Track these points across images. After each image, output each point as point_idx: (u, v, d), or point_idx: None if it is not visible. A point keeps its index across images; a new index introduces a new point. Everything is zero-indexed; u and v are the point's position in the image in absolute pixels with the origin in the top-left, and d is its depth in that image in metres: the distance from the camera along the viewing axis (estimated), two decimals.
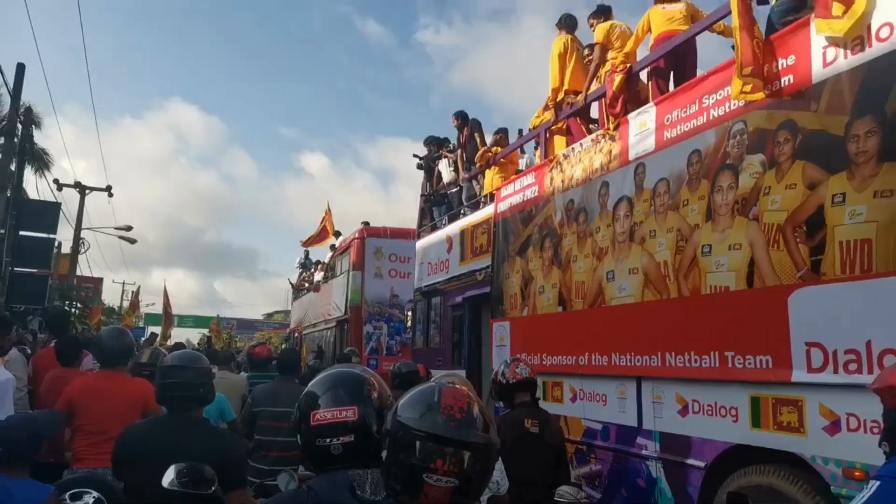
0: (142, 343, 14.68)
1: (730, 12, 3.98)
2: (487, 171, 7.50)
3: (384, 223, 15.26)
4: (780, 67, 3.63)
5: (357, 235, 13.15)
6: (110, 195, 21.24)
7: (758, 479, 3.61)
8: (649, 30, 5.09)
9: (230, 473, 2.29)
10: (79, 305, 23.89)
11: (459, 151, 8.13)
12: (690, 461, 4.08)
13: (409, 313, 9.60)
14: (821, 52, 3.40)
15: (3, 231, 12.67)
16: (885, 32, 3.09)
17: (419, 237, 9.65)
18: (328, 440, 1.42)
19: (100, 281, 33.98)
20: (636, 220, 4.70)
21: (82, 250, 21.89)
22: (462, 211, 8.11)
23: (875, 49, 3.13)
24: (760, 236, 3.62)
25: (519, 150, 7.40)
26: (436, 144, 9.11)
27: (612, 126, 5.05)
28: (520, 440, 3.45)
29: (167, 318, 21.52)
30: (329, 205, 17.79)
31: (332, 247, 15.52)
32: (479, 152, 7.41)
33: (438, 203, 8.98)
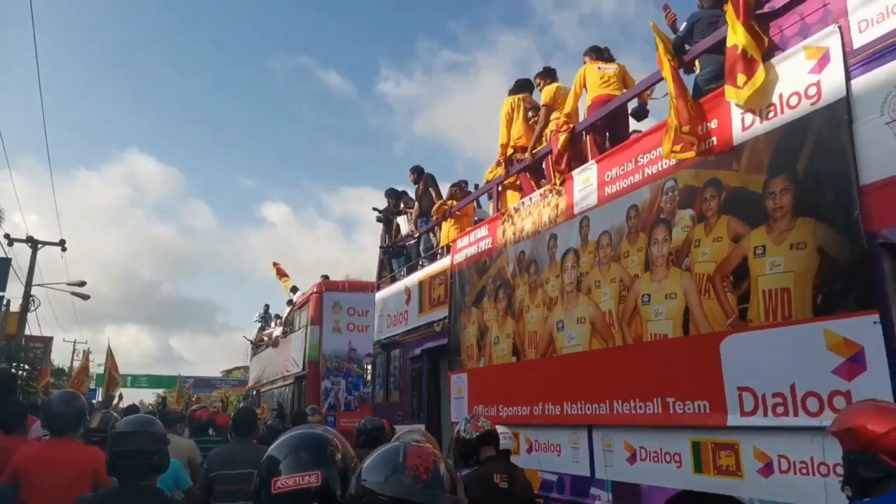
0: (95, 406, 13.99)
1: (661, 79, 4.33)
2: (444, 224, 7.69)
3: (348, 271, 15.23)
4: (706, 129, 3.94)
5: (315, 290, 13.10)
6: (63, 249, 20.61)
7: None
8: (585, 86, 5.44)
9: None
10: (26, 367, 22.55)
11: (416, 204, 8.33)
12: None
13: (369, 367, 9.54)
14: (740, 117, 3.72)
15: None
16: (794, 100, 3.41)
17: (379, 289, 9.69)
18: None
19: (49, 340, 32.32)
20: (582, 270, 4.90)
21: (32, 308, 21.02)
22: (420, 262, 8.24)
23: (786, 115, 3.44)
24: (693, 286, 3.84)
25: (475, 203, 7.64)
26: (394, 197, 9.31)
27: (558, 182, 5.31)
28: (490, 496, 3.39)
29: (110, 378, 20.42)
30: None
31: (290, 302, 15.37)
32: (436, 205, 7.62)
33: (397, 255, 9.10)
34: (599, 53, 5.50)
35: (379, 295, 9.56)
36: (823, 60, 3.25)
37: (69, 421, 3.47)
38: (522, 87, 6.45)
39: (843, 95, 3.12)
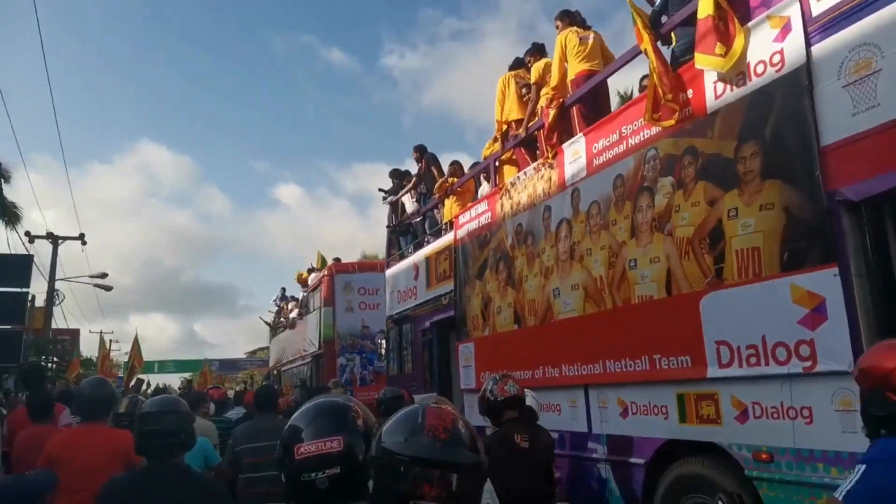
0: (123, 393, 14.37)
1: (640, 52, 4.50)
2: (447, 201, 7.93)
3: (365, 247, 15.54)
4: (684, 99, 4.12)
5: (326, 273, 13.46)
6: (83, 243, 21.00)
7: (688, 470, 3.98)
8: (565, 56, 5.59)
9: None
10: (55, 359, 23.28)
11: (420, 182, 8.58)
12: (633, 459, 4.44)
13: (383, 342, 9.88)
14: (713, 87, 3.89)
15: None
16: (760, 68, 3.59)
17: (388, 266, 9.99)
18: (313, 474, 1.35)
19: (76, 332, 33.09)
20: (575, 240, 5.13)
21: (57, 302, 21.49)
22: (426, 239, 8.50)
23: (754, 83, 3.62)
24: (674, 249, 4.06)
25: (475, 179, 7.86)
26: (398, 177, 9.56)
27: (550, 155, 5.51)
28: (511, 456, 3.44)
29: (132, 369, 20.65)
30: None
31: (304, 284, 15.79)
32: (437, 183, 7.85)
33: (404, 233, 9.38)
34: (573, 18, 5.64)
35: (389, 272, 9.86)
36: (786, 29, 3.42)
37: (99, 406, 3.55)
38: (515, 65, 6.61)
39: (803, 62, 3.30)
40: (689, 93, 4.05)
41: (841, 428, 3.05)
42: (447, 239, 7.68)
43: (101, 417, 3.56)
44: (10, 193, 20.05)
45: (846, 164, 3.09)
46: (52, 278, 20.64)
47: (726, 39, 3.72)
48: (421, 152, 8.56)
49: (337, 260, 14.43)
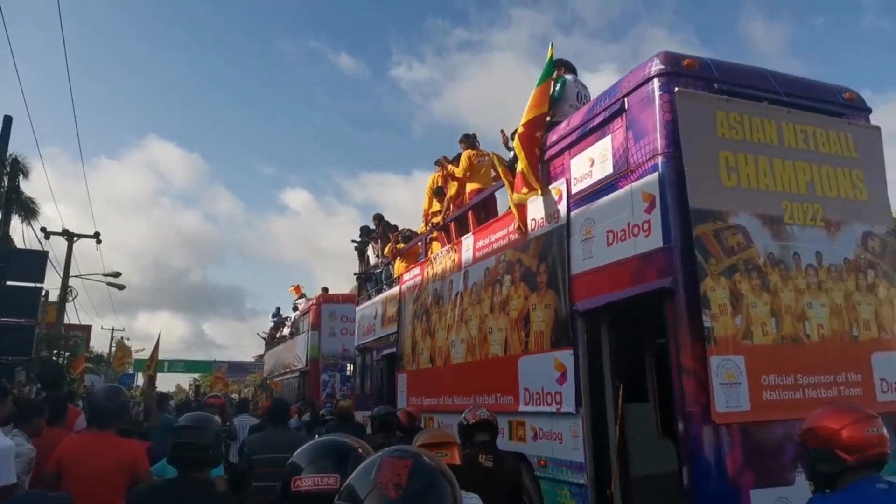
0: (138, 391, 15.14)
1: (502, 185, 6.59)
2: (396, 260, 10.06)
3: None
4: (522, 225, 6.21)
5: (315, 302, 15.65)
6: (98, 242, 20.90)
7: None
8: (467, 170, 7.71)
9: None
10: (66, 354, 23.42)
11: (377, 242, 10.75)
12: None
13: (350, 365, 11.98)
14: (531, 221, 5.99)
15: None
16: (551, 220, 5.66)
17: (358, 304, 12.13)
18: None
19: (89, 328, 33.47)
20: (463, 307, 7.21)
21: (70, 298, 21.49)
22: (383, 287, 10.62)
23: (545, 227, 5.69)
24: (509, 325, 6.14)
25: (421, 243, 9.99)
26: (367, 234, 11.74)
27: (454, 244, 7.62)
28: (474, 474, 3.57)
29: (147, 369, 20.65)
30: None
31: (295, 308, 17.98)
32: (388, 248, 10.00)
33: (369, 279, 11.51)
34: (473, 142, 7.77)
35: (358, 309, 11.99)
36: (560, 198, 5.51)
37: (112, 415, 3.56)
38: (444, 163, 8.80)
39: (565, 221, 5.39)
40: (528, 222, 6.16)
41: (573, 447, 5.10)
42: (395, 290, 9.79)
43: (112, 426, 3.57)
44: (24, 187, 19.33)
45: (579, 289, 5.16)
46: (66, 275, 20.74)
47: (530, 186, 5.79)
48: (378, 220, 10.75)
49: (325, 290, 16.59)
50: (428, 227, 8.79)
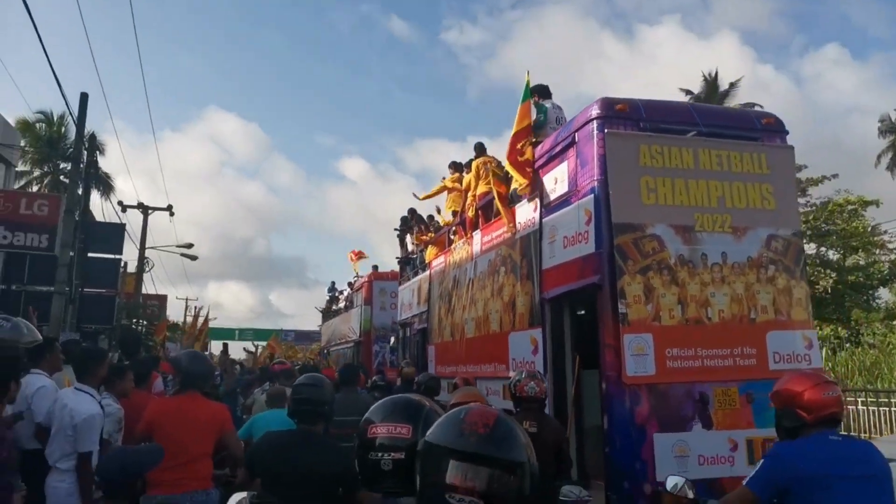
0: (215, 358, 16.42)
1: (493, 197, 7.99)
2: (428, 247, 11.63)
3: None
4: (513, 226, 7.60)
5: (367, 279, 17.55)
6: (171, 214, 21.67)
7: None
8: (478, 176, 9.11)
9: (349, 479, 2.60)
10: (144, 323, 24.46)
11: (412, 232, 12.41)
12: None
13: (392, 338, 13.79)
14: (519, 225, 7.38)
15: (72, 254, 12.74)
16: (531, 224, 7.03)
17: (400, 284, 13.85)
18: (380, 454, 1.51)
19: (164, 298, 34.82)
20: (473, 292, 8.71)
21: (147, 269, 22.63)
22: (417, 271, 12.25)
23: (526, 229, 7.07)
24: (502, 306, 7.60)
25: (447, 233, 11.50)
26: (404, 223, 13.40)
27: (468, 238, 9.09)
28: None
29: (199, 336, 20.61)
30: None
31: (350, 284, 19.98)
32: (417, 237, 11.59)
33: (407, 263, 13.18)
34: (482, 151, 9.15)
35: (400, 289, 13.72)
36: (535, 207, 6.88)
37: (196, 378, 3.76)
38: (459, 166, 10.21)
39: (538, 226, 6.75)
40: (518, 223, 7.56)
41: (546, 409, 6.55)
42: (426, 274, 11.39)
43: (199, 388, 3.76)
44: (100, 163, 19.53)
45: (547, 280, 6.55)
46: (142, 246, 21.66)
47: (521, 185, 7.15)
48: (412, 213, 12.37)
49: (375, 268, 18.46)
50: (448, 221, 10.29)
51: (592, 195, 5.70)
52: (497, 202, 7.64)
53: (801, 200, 21.92)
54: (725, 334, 5.56)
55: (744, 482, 2.53)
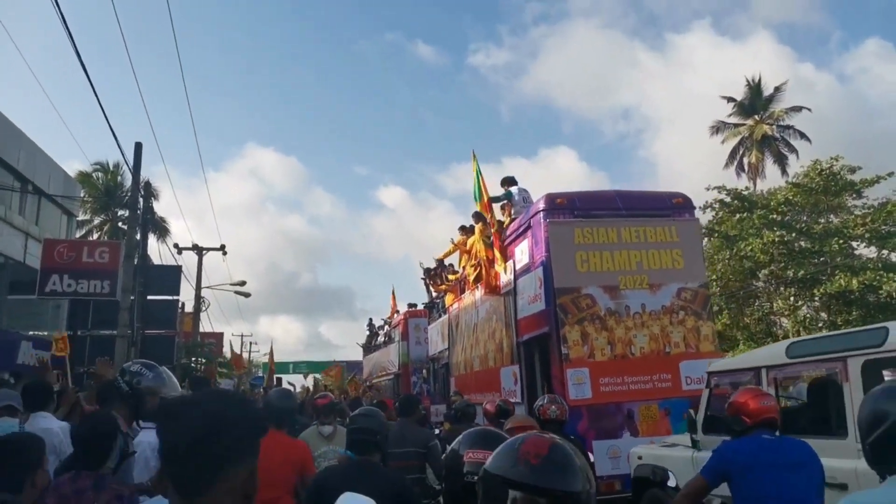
0: (267, 391, 16.98)
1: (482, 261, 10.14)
2: (447, 294, 13.82)
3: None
4: (496, 284, 9.69)
5: (403, 317, 19.82)
6: (224, 253, 22.54)
7: None
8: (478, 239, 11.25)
9: None
10: (203, 361, 24.67)
11: (435, 282, 14.63)
12: None
13: (424, 371, 15.99)
14: (503, 283, 9.47)
15: (132, 298, 13.05)
16: (507, 282, 9.12)
17: (429, 324, 16.05)
18: (475, 477, 1.51)
19: (221, 335, 35.54)
20: (478, 333, 10.81)
21: (203, 308, 23.33)
22: (440, 314, 14.44)
23: (509, 287, 9.16)
24: (495, 346, 9.67)
25: (459, 284, 13.63)
26: (426, 273, 15.65)
27: (472, 289, 11.23)
28: None
29: (270, 371, 24.16)
30: (393, 289, 24.34)
31: (386, 321, 22.36)
32: (434, 286, 13.79)
33: (432, 307, 15.38)
34: (481, 219, 11.29)
35: (429, 328, 15.92)
36: (510, 271, 8.97)
37: (284, 414, 3.86)
38: (470, 229, 12.38)
39: (513, 285, 8.83)
40: (501, 281, 9.65)
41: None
42: (446, 318, 13.55)
43: (285, 425, 3.81)
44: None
45: (521, 328, 8.60)
46: (198, 286, 22.42)
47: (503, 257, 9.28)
48: (438, 263, 14.67)
49: (411, 306, 20.77)
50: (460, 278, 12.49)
51: (542, 267, 7.78)
52: (484, 269, 9.76)
53: (857, 203, 20.97)
54: (646, 365, 7.49)
55: (699, 471, 3.09)
